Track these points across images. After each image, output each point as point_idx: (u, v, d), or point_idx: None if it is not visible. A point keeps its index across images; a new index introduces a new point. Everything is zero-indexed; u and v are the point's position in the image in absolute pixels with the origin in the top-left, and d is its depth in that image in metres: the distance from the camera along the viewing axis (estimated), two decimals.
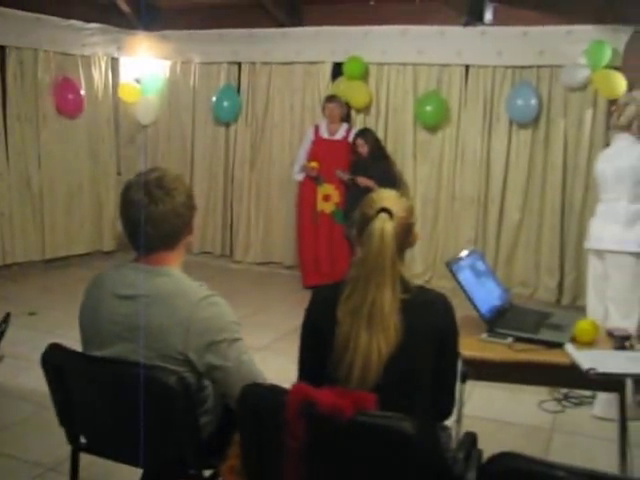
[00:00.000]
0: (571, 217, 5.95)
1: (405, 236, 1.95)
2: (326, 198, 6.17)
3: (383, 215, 1.90)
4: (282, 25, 6.74)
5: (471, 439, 2.04)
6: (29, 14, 6.23)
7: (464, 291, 2.58)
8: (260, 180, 7.15)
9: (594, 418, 3.71)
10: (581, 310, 5.58)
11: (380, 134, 6.30)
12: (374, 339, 1.84)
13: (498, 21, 5.97)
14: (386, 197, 1.96)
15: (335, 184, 6.11)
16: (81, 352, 2.05)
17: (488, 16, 5.98)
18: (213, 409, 2.07)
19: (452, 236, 6.37)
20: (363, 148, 5.93)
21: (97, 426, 2.08)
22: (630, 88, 5.49)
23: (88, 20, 6.81)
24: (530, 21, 5.84)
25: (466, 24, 6.05)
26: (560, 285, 6.04)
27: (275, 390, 1.76)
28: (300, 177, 6.33)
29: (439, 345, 1.93)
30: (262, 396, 1.78)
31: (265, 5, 6.48)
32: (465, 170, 6.28)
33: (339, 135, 6.26)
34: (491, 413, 3.87)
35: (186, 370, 1.91)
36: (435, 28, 6.17)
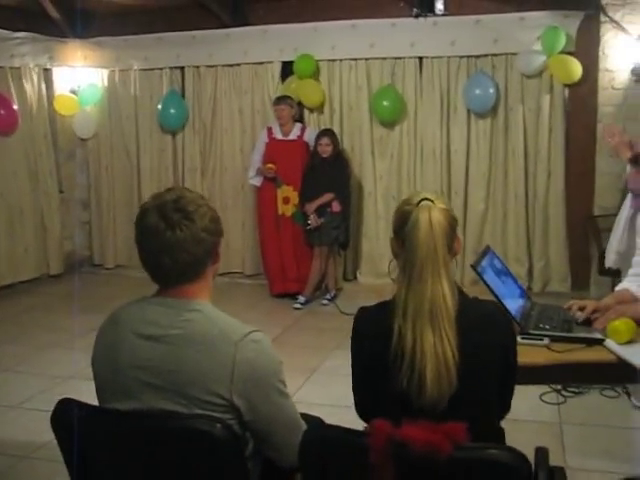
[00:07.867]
0: (535, 204, 5.92)
1: (452, 232, 1.73)
2: (286, 200, 5.96)
3: (426, 202, 1.69)
4: (226, 25, 6.45)
5: (544, 455, 1.87)
6: None
7: (493, 294, 2.40)
8: (212, 188, 6.85)
9: (603, 407, 3.68)
10: (553, 295, 5.59)
11: (336, 132, 6.09)
12: (443, 338, 1.62)
13: (450, 11, 5.90)
14: (424, 193, 1.75)
15: (293, 185, 5.90)
16: (101, 407, 1.76)
17: (439, 6, 5.92)
18: (254, 455, 1.83)
19: None
20: (328, 147, 5.73)
21: None
22: (585, 72, 5.51)
23: (15, 29, 6.32)
24: (482, 9, 5.77)
25: (417, 15, 5.95)
26: (530, 273, 6.01)
27: (349, 433, 1.54)
28: (257, 181, 6.10)
29: (504, 361, 1.77)
30: (332, 442, 1.56)
31: (207, 5, 6.19)
32: (426, 163, 6.16)
33: (293, 135, 6.04)
34: None
35: (230, 417, 1.67)
36: (386, 21, 6.02)
